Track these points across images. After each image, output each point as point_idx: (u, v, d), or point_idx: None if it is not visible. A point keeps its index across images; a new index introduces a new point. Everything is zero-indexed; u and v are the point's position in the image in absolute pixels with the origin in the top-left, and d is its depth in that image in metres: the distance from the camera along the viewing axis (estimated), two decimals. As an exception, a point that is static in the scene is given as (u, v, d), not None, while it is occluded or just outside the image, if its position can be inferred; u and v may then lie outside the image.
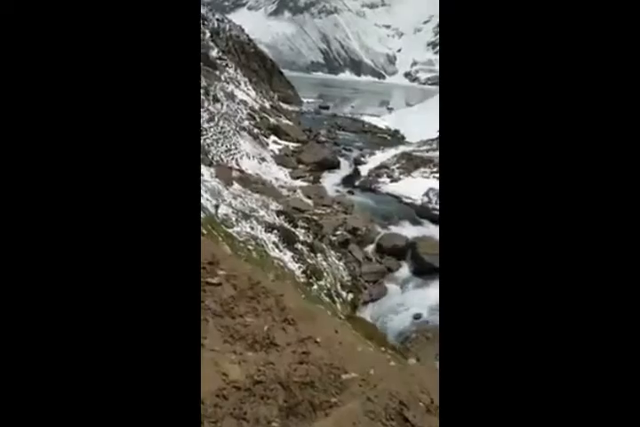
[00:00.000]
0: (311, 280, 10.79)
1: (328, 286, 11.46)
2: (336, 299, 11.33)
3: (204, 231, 7.94)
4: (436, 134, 35.68)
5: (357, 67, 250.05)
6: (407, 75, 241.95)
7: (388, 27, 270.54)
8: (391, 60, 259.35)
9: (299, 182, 23.31)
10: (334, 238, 17.04)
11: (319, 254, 13.21)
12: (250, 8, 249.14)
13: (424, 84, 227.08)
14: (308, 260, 11.82)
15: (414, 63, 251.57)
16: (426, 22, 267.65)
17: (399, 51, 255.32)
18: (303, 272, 10.71)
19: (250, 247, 9.61)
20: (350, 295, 12.33)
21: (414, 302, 17.75)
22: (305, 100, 58.32)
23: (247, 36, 50.04)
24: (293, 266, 10.72)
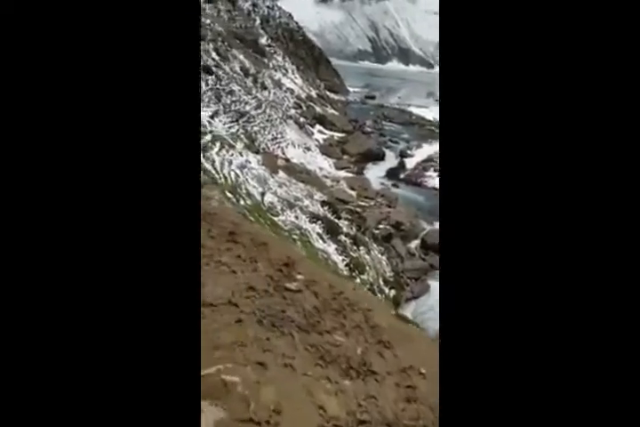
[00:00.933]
0: (354, 274, 10.56)
1: (371, 280, 11.19)
2: (379, 295, 11.05)
3: (251, 219, 7.85)
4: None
5: (405, 56, 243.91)
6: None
7: (438, 13, 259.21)
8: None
9: (342, 173, 23.00)
10: (377, 232, 16.69)
11: (362, 248, 12.93)
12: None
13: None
14: (351, 253, 11.57)
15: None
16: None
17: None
18: (346, 265, 10.48)
19: (294, 237, 9.47)
20: (393, 292, 12.00)
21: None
22: (351, 90, 57.42)
23: (296, 23, 49.71)
24: (337, 258, 10.51)
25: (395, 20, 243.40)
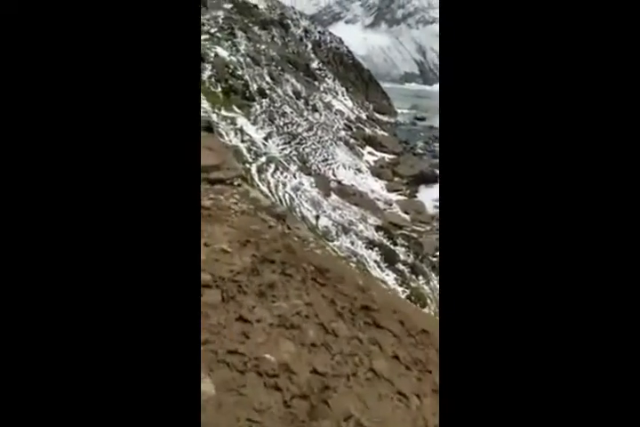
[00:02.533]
0: (416, 306, 9.68)
1: (432, 314, 10.22)
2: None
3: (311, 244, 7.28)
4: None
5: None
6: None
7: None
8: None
9: (395, 196, 22.24)
10: (435, 260, 15.65)
11: (421, 277, 12.00)
12: (347, 22, 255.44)
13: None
14: (411, 283, 10.71)
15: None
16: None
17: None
18: (407, 297, 9.65)
19: (352, 265, 8.82)
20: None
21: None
22: (399, 111, 57.13)
23: (346, 47, 50.55)
24: (397, 289, 9.71)
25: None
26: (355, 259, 9.22)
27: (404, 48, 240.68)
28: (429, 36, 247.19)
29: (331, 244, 9.59)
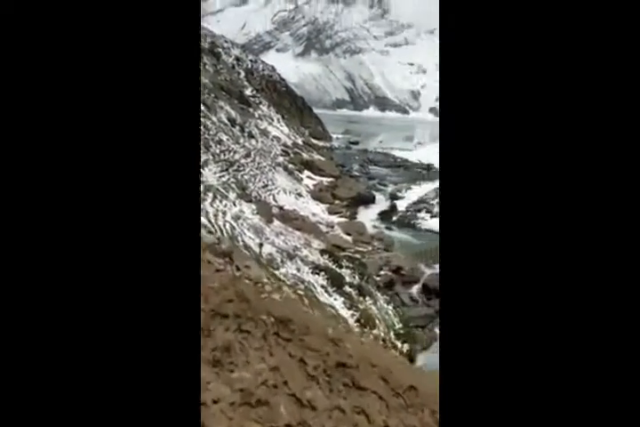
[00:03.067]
0: (365, 330, 9.68)
1: (382, 335, 10.29)
2: (393, 351, 10.10)
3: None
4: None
5: (382, 103, 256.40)
6: (431, 110, 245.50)
7: (411, 64, 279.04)
8: (415, 95, 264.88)
9: (336, 218, 22.55)
10: (379, 279, 15.91)
11: (368, 298, 12.09)
12: (278, 50, 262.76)
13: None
14: (359, 305, 10.74)
15: (438, 98, 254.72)
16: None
17: (423, 87, 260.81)
18: (357, 321, 9.63)
19: (300, 292, 8.67)
20: (406, 346, 11.06)
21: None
22: (334, 136, 58.93)
23: (279, 75, 51.70)
24: (346, 313, 9.66)
25: (370, 71, 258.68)
26: (302, 286, 9.08)
27: (334, 76, 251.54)
28: (356, 65, 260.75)
29: (277, 272, 9.39)
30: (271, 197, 20.14)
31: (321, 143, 46.14)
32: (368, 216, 25.56)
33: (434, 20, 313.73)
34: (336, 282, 10.88)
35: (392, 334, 11.22)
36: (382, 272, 17.12)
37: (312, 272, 10.66)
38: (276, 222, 15.21)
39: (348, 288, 11.41)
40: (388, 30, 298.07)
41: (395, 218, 26.06)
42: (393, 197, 28.92)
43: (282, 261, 10.33)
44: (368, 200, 27.94)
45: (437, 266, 20.43)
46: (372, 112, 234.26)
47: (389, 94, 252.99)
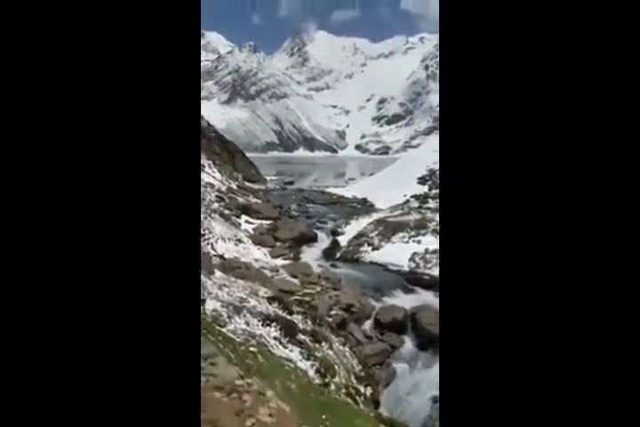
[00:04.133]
0: (326, 380, 9.15)
1: (344, 381, 9.79)
2: (357, 398, 9.60)
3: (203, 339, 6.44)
4: (403, 199, 36.37)
5: (310, 144, 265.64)
6: (358, 147, 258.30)
7: (334, 106, 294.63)
8: (341, 135, 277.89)
9: (280, 261, 22.03)
10: (331, 320, 15.49)
11: (324, 343, 11.60)
12: (203, 98, 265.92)
13: (374, 154, 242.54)
14: (316, 353, 10.22)
15: (363, 136, 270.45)
16: (368, 100, 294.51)
17: (347, 126, 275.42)
18: (317, 371, 9.09)
19: (252, 349, 8.04)
20: (369, 390, 10.61)
21: (427, 382, 15.93)
22: (268, 178, 59.33)
23: (207, 121, 51.74)
24: (304, 364, 9.10)
25: (296, 114, 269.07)
26: (254, 341, 8.46)
27: (261, 120, 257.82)
28: (283, 109, 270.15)
29: (224, 329, 8.71)
30: (209, 246, 19.31)
31: (256, 186, 46.08)
32: (312, 255, 25.35)
33: (352, 66, 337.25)
34: (289, 331, 10.35)
35: (353, 378, 10.74)
36: (333, 312, 16.74)
37: (263, 324, 10.07)
38: (218, 273, 14.45)
39: (301, 336, 10.88)
40: (309, 76, 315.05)
41: (338, 254, 26.07)
42: (334, 233, 29.12)
43: (229, 317, 9.66)
44: (310, 239, 27.85)
45: (385, 299, 20.53)
46: (302, 153, 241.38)
47: (317, 135, 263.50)
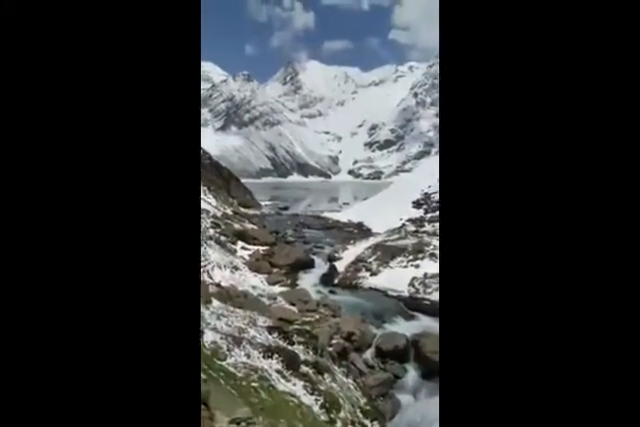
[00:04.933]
0: (332, 415, 8.66)
1: (349, 416, 9.28)
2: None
3: (203, 376, 6.08)
4: (399, 223, 36.31)
5: (304, 169, 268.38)
6: (350, 172, 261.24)
7: (327, 133, 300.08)
8: (334, 160, 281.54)
9: (277, 288, 21.58)
10: (332, 349, 14.98)
11: (326, 375, 11.12)
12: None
13: (367, 178, 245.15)
14: (320, 386, 9.75)
15: (355, 162, 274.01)
16: (360, 126, 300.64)
17: (340, 152, 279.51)
18: (322, 406, 8.62)
19: (254, 384, 7.62)
20: (376, 424, 10.07)
21: (434, 412, 15.30)
22: (262, 204, 59.32)
23: (202, 148, 52.14)
24: (308, 399, 8.64)
25: (289, 140, 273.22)
26: (255, 375, 8.03)
27: (255, 147, 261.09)
28: (276, 136, 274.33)
29: (224, 363, 8.29)
30: (206, 274, 18.89)
31: (251, 211, 45.92)
32: (309, 282, 24.91)
33: (343, 94, 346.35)
34: (291, 363, 9.91)
35: (358, 412, 10.22)
36: (334, 341, 16.23)
37: (264, 356, 9.63)
38: (215, 303, 14.02)
39: (304, 368, 10.42)
40: (302, 103, 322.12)
41: (336, 280, 25.65)
42: (331, 258, 28.76)
43: (228, 349, 9.23)
44: (307, 265, 27.48)
45: (386, 325, 20.02)
46: (295, 178, 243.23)
47: (310, 161, 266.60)
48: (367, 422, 9.77)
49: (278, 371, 9.05)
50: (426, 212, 39.12)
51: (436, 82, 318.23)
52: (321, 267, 27.63)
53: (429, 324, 20.54)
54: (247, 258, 26.10)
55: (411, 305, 22.19)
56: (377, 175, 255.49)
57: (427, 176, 46.77)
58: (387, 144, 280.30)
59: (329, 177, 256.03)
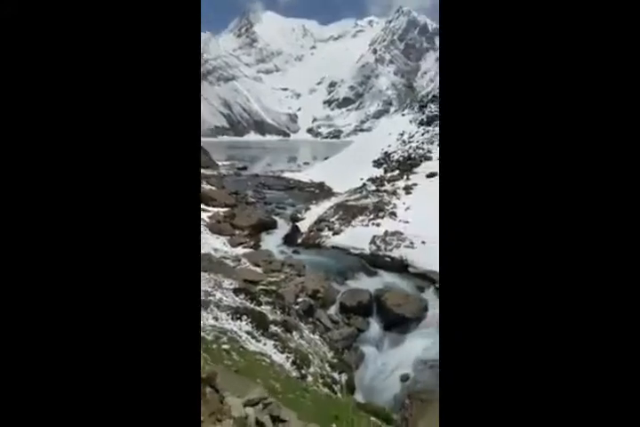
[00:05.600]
0: (303, 371, 8.88)
1: (319, 370, 9.59)
2: (334, 387, 9.44)
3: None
4: (360, 183, 36.50)
5: (261, 127, 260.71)
6: (310, 131, 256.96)
7: (285, 89, 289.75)
8: (292, 118, 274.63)
9: (241, 250, 21.36)
10: (298, 307, 15.26)
11: (295, 333, 11.32)
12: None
13: (326, 137, 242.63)
14: (290, 344, 9.91)
15: (314, 120, 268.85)
16: (319, 83, 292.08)
17: (299, 110, 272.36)
18: (293, 363, 8.79)
19: (225, 347, 7.56)
20: (344, 376, 10.50)
21: (396, 361, 16.24)
22: (219, 164, 57.45)
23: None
24: (279, 358, 8.76)
25: (245, 96, 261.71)
26: (225, 338, 7.96)
27: (209, 103, 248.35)
28: (231, 92, 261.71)
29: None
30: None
31: (208, 172, 44.39)
32: (273, 242, 24.86)
33: (302, 49, 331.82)
34: (260, 324, 9.93)
35: (327, 366, 10.58)
36: (300, 299, 16.51)
37: (232, 318, 9.56)
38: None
39: (273, 327, 10.51)
40: (258, 58, 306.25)
41: (299, 240, 25.75)
42: (293, 219, 28.69)
43: (195, 312, 9.07)
44: (269, 226, 27.28)
45: (349, 282, 20.59)
46: (253, 136, 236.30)
47: (267, 118, 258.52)
48: (335, 374, 10.15)
49: (248, 332, 9.07)
50: (385, 171, 39.44)
51: (396, 38, 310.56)
52: (283, 227, 27.55)
53: (391, 279, 21.35)
54: (207, 220, 25.47)
55: (372, 262, 22.83)
56: (336, 134, 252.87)
57: (386, 136, 46.70)
58: (346, 102, 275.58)
59: (287, 136, 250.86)
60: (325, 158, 61.19)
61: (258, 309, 11.39)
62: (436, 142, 38.17)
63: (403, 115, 50.33)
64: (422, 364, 15.98)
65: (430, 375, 15.31)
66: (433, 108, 44.40)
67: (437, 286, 20.09)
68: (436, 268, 21.89)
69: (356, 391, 12.34)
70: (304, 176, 45.35)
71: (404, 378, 15.21)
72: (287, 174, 48.50)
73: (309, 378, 8.83)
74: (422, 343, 16.96)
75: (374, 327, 18.04)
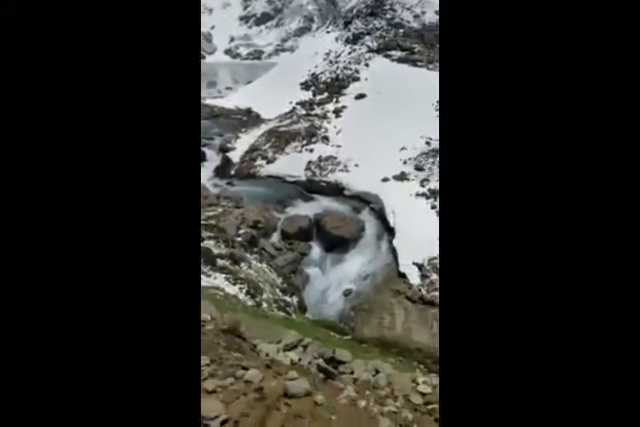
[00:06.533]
0: (257, 299, 9.09)
1: (271, 296, 9.90)
2: (288, 309, 9.88)
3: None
4: (290, 107, 35.01)
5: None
6: (227, 52, 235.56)
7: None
8: (207, 37, 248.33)
9: (171, 185, 20.22)
10: (241, 239, 15.25)
11: (242, 264, 11.39)
12: None
13: (246, 59, 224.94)
14: (240, 275, 9.98)
15: (232, 39, 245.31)
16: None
17: (213, 28, 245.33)
18: (247, 293, 8.92)
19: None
20: (295, 299, 10.99)
21: (338, 279, 17.34)
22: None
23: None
24: (233, 289, 8.82)
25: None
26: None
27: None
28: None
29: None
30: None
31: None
32: (204, 176, 23.82)
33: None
34: (208, 259, 9.78)
35: (278, 291, 10.95)
36: (242, 231, 16.45)
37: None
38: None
39: (220, 261, 10.44)
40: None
41: (233, 172, 24.89)
42: (223, 149, 27.32)
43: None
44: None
45: (288, 209, 20.77)
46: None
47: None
48: (287, 297, 10.59)
49: (196, 267, 8.91)
50: (314, 94, 37.96)
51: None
52: (213, 159, 26.24)
53: (328, 203, 21.85)
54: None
55: (309, 188, 22.99)
56: (257, 55, 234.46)
57: (311, 56, 44.13)
58: (264, 18, 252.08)
59: (203, 58, 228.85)
60: (248, 82, 57.17)
61: (201, 244, 11.14)
62: (364, 62, 36.92)
63: (327, 32, 47.28)
64: (362, 278, 17.26)
65: (368, 286, 16.68)
66: (359, 25, 42.10)
67: (372, 206, 20.96)
68: (370, 190, 22.43)
69: (308, 311, 13.12)
70: (228, 102, 42.37)
71: (347, 293, 16.42)
72: (209, 101, 44.95)
73: (264, 305, 9.12)
74: (360, 260, 18.15)
75: (316, 250, 18.80)
